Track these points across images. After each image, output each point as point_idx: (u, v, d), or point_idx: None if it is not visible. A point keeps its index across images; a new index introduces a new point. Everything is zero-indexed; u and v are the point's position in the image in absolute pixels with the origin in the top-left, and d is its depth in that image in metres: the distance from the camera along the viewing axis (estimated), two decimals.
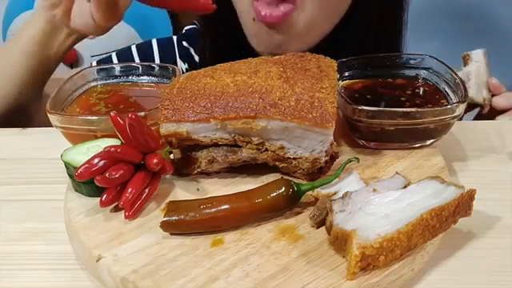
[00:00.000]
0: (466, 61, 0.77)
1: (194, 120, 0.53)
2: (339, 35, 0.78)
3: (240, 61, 0.59)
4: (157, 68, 0.69)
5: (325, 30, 0.77)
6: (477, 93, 0.76)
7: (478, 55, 0.77)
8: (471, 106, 0.78)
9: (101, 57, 1.03)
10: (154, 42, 0.96)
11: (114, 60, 0.94)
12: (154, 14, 1.79)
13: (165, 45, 0.96)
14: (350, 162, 0.54)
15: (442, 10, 1.94)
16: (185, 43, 0.95)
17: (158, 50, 0.95)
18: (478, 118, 0.82)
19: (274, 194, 0.50)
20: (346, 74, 0.66)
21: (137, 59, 0.94)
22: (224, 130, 0.54)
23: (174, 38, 0.97)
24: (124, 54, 0.95)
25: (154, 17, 1.78)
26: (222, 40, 0.86)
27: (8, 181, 0.61)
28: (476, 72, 0.76)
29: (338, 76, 0.61)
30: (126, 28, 1.71)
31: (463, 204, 0.47)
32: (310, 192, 0.52)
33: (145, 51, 0.95)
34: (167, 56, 0.95)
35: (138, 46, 0.96)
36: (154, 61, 0.94)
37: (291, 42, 0.74)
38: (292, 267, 0.45)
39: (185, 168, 0.57)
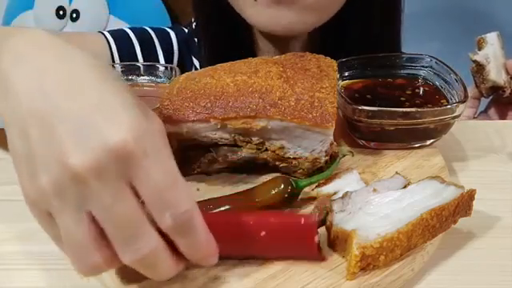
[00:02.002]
0: (480, 44, 0.77)
1: (193, 120, 0.53)
2: (343, 17, 0.77)
3: (240, 61, 0.59)
4: (157, 68, 0.69)
5: (334, 8, 0.76)
6: (497, 75, 0.76)
7: (492, 38, 0.77)
8: (493, 88, 0.77)
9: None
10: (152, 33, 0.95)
11: (131, 35, 0.92)
12: (148, 9, 1.78)
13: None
14: (344, 156, 0.54)
15: (442, 10, 1.94)
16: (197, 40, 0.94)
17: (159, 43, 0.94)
18: (497, 102, 0.82)
19: (274, 191, 0.50)
20: (346, 73, 0.66)
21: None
22: (224, 130, 0.54)
23: (172, 33, 0.96)
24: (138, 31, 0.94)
25: (148, 12, 1.78)
26: (219, 38, 0.85)
27: (8, 181, 0.61)
28: (493, 54, 0.76)
29: (338, 76, 0.61)
30: (118, 24, 1.71)
31: (463, 204, 0.47)
32: (309, 192, 0.52)
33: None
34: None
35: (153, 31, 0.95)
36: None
37: (299, 19, 0.72)
38: (292, 267, 0.45)
39: (185, 168, 0.57)
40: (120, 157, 0.35)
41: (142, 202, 0.37)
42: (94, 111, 0.36)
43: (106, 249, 0.37)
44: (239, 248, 0.45)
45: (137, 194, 0.36)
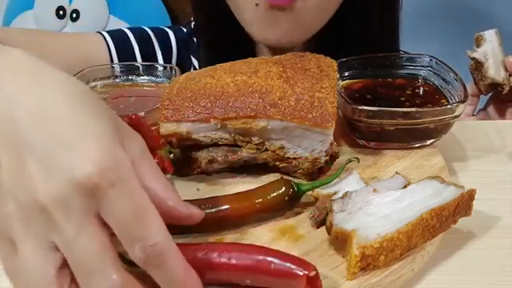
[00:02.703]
0: (478, 42, 0.77)
1: (194, 120, 0.53)
2: (343, 18, 0.78)
3: (240, 61, 0.59)
4: (157, 68, 0.69)
5: (330, 12, 0.76)
6: (496, 72, 0.76)
7: (490, 35, 0.77)
8: (492, 85, 0.77)
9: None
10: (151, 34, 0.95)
11: (129, 35, 0.93)
12: (148, 9, 1.78)
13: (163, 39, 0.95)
14: (351, 161, 0.54)
15: (442, 10, 1.94)
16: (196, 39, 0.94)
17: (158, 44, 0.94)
18: (496, 99, 0.82)
19: (274, 194, 0.50)
20: (346, 73, 0.66)
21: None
22: (224, 130, 0.54)
23: (171, 32, 0.96)
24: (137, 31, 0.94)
25: (148, 12, 1.78)
26: (218, 38, 0.85)
27: None
28: (492, 51, 0.76)
29: (338, 76, 0.61)
30: (118, 24, 1.71)
31: (463, 204, 0.47)
32: (309, 192, 0.52)
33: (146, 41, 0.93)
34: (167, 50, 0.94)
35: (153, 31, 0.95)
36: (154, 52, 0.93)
37: (297, 28, 0.72)
38: None
39: (185, 168, 0.57)
40: (85, 190, 0.34)
41: None
42: (63, 143, 0.35)
43: (63, 281, 0.36)
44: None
45: (104, 226, 0.36)
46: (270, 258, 0.42)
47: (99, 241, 0.35)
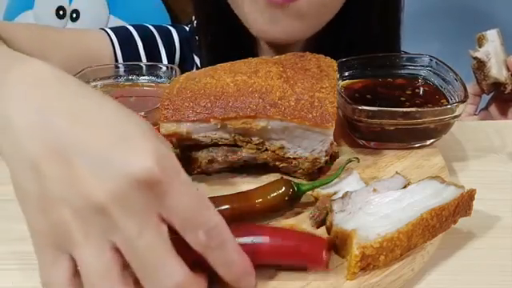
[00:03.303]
0: (480, 42, 0.77)
1: (194, 120, 0.53)
2: (343, 17, 0.78)
3: (240, 61, 0.59)
4: (160, 68, 0.69)
5: (333, 10, 0.76)
6: (498, 71, 0.76)
7: (492, 35, 0.77)
8: (494, 85, 0.78)
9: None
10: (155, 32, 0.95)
11: (133, 32, 0.92)
12: (148, 9, 1.78)
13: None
14: (351, 161, 0.54)
15: (442, 10, 1.94)
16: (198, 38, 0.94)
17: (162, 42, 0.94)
18: (498, 98, 0.82)
19: (274, 194, 0.50)
20: (346, 73, 0.66)
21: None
22: (224, 130, 0.54)
23: (173, 30, 0.96)
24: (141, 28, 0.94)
25: (148, 12, 1.78)
26: (219, 38, 0.85)
27: (9, 180, 0.61)
28: (494, 51, 0.76)
29: (338, 76, 0.61)
30: (118, 23, 1.71)
31: (463, 204, 0.47)
32: (310, 192, 0.52)
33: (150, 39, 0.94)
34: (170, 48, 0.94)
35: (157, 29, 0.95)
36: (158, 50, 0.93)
37: (298, 25, 0.72)
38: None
39: (185, 168, 0.56)
40: (146, 185, 0.34)
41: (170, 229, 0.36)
42: (111, 141, 0.35)
43: (128, 282, 0.36)
44: None
45: (163, 221, 0.35)
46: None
47: (163, 237, 0.35)
